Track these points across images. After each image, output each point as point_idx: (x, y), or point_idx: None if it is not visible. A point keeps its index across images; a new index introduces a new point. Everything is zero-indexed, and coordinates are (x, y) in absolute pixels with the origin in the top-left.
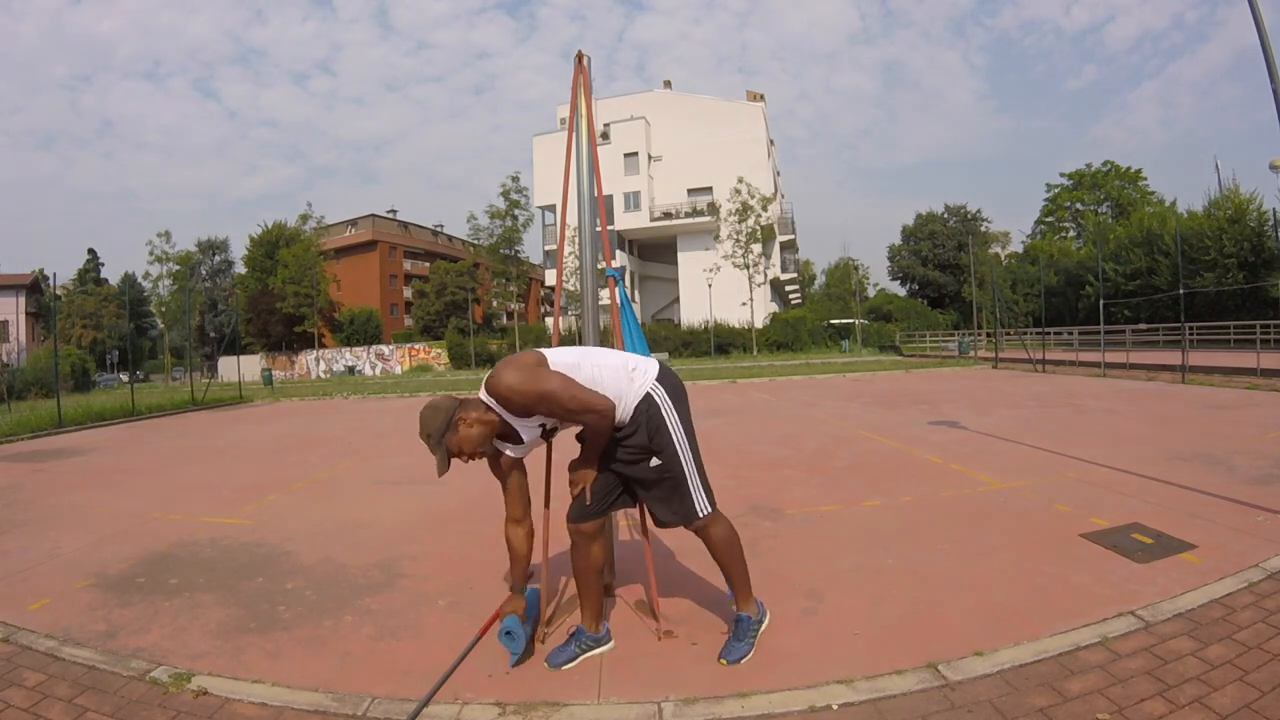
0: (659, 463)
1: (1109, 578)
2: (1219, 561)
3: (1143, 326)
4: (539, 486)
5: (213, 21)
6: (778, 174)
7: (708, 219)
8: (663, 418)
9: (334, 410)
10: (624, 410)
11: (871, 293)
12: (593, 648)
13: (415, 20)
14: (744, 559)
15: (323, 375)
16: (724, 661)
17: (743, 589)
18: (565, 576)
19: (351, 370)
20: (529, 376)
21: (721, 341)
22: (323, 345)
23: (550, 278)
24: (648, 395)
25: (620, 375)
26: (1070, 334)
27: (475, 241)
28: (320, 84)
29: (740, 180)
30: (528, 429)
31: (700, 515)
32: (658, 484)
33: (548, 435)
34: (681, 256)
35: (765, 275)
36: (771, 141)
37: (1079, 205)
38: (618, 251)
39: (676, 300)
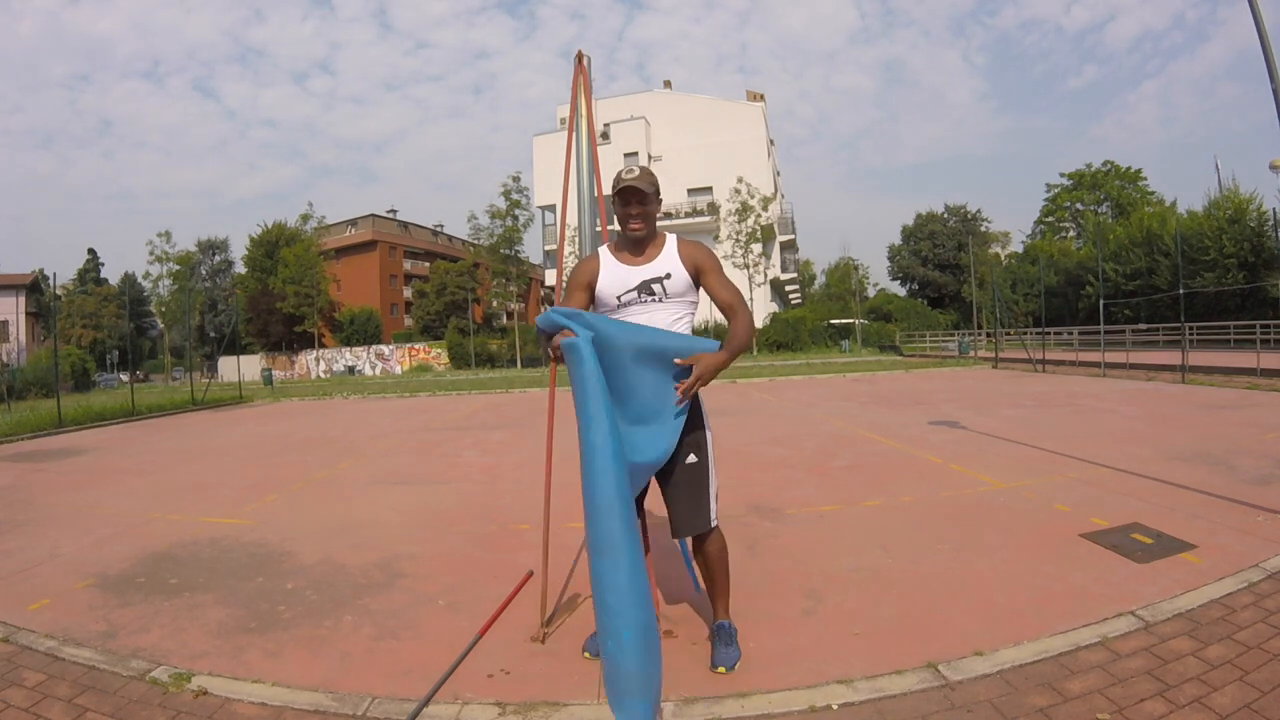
0: (694, 460)
1: (1109, 578)
2: (1219, 561)
3: (1143, 326)
4: (540, 490)
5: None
6: (778, 174)
7: (708, 219)
8: (703, 415)
9: (334, 410)
10: None
11: (871, 293)
12: None
13: (415, 20)
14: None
15: (323, 375)
16: (723, 669)
17: (727, 598)
18: (565, 577)
19: (351, 370)
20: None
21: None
22: (323, 345)
23: (550, 278)
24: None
25: None
26: (1070, 334)
27: (475, 241)
28: (320, 84)
29: (740, 180)
30: (637, 293)
31: (710, 524)
32: (686, 484)
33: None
34: None
35: (765, 275)
36: (771, 141)
37: (1079, 205)
38: None
39: None
